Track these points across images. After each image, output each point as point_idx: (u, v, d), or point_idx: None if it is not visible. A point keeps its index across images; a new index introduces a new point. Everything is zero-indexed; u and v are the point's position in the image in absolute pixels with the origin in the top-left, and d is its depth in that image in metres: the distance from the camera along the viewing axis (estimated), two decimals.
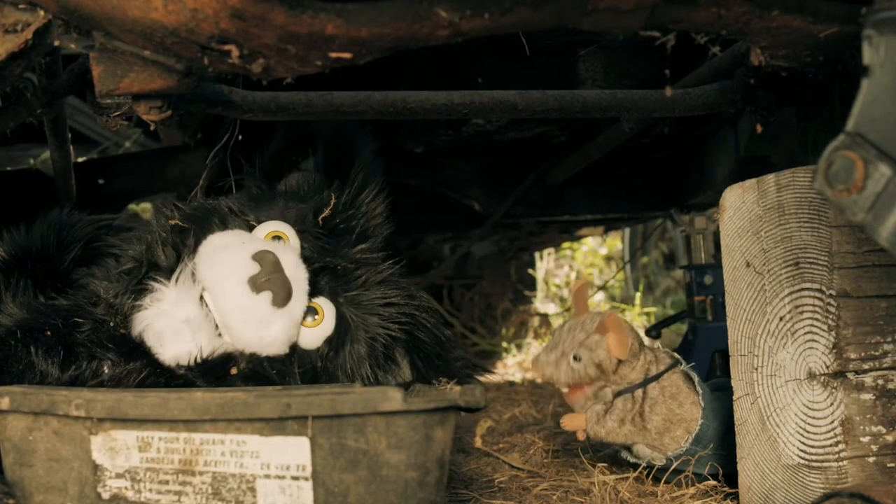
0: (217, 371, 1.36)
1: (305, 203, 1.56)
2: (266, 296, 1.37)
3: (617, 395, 1.50)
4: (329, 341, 1.47)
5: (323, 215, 1.53)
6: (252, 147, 1.67)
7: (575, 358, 1.49)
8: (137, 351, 1.35)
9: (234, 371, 1.37)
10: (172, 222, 1.47)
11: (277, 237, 1.49)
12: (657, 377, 1.50)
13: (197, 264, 1.41)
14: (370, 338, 1.50)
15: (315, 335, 1.47)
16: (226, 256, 1.40)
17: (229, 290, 1.37)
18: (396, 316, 1.53)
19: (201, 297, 1.39)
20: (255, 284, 1.37)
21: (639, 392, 1.49)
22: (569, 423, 1.54)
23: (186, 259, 1.42)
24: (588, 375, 1.49)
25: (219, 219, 1.49)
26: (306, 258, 1.48)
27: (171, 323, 1.36)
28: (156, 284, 1.39)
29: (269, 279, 1.37)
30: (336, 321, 1.48)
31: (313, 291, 1.47)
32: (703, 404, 1.49)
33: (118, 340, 1.36)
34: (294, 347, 1.44)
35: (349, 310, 1.50)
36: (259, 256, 1.39)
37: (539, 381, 1.54)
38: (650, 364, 1.51)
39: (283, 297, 1.38)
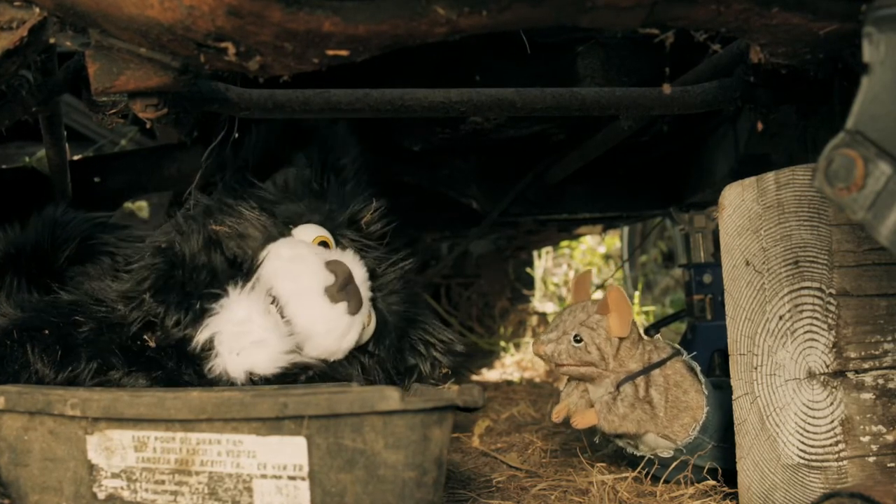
0: (289, 381, 1.37)
1: (330, 205, 1.59)
2: (342, 306, 1.42)
3: (619, 384, 1.49)
4: (375, 338, 1.53)
5: (365, 220, 1.59)
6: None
7: (576, 338, 1.49)
8: (153, 364, 1.35)
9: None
10: (219, 228, 1.46)
11: (323, 242, 1.51)
12: (660, 364, 1.50)
13: (267, 275, 1.41)
14: (398, 335, 1.57)
15: (366, 334, 1.52)
16: (303, 268, 1.42)
17: (313, 302, 1.41)
18: (410, 313, 1.60)
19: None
20: (332, 295, 1.41)
21: (641, 380, 1.49)
22: (580, 420, 1.53)
23: (254, 268, 1.42)
24: (589, 357, 1.48)
25: (263, 226, 1.50)
26: None
27: (254, 331, 1.36)
28: (224, 290, 1.38)
29: (346, 290, 1.42)
30: (377, 319, 1.55)
31: None
32: (706, 392, 1.48)
33: (131, 352, 1.35)
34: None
35: (382, 307, 1.57)
36: (333, 267, 1.43)
37: (540, 360, 1.55)
38: (650, 353, 1.51)
39: (356, 306, 1.44)
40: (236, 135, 1.67)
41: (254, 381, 1.34)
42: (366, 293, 1.49)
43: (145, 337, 1.36)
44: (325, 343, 1.43)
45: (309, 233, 1.52)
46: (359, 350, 1.51)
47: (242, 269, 1.42)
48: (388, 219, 1.65)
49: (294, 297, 1.40)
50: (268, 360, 1.35)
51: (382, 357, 1.54)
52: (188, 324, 1.36)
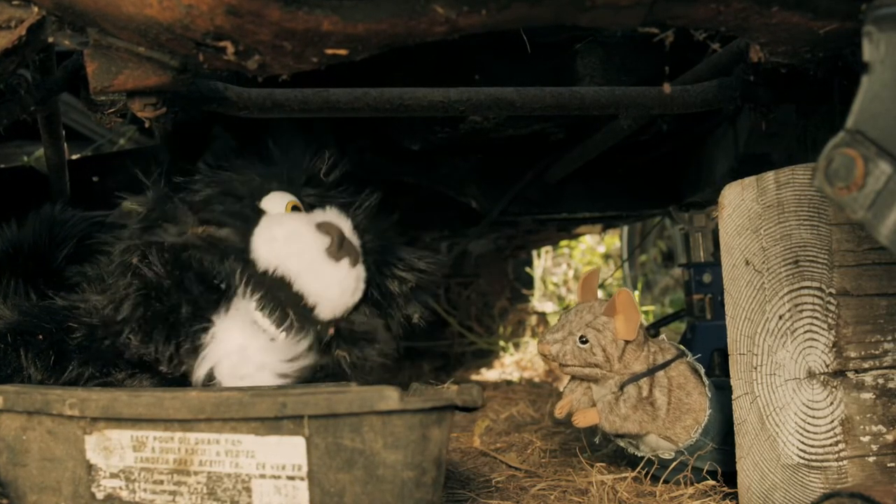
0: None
1: (282, 168, 1.58)
2: (345, 262, 1.45)
3: (623, 384, 1.49)
4: (366, 283, 1.56)
5: (322, 172, 1.59)
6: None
7: (582, 339, 1.48)
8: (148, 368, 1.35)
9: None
10: (201, 231, 1.43)
11: (295, 207, 1.52)
12: (664, 366, 1.49)
13: (268, 258, 1.42)
14: (377, 269, 1.59)
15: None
16: (301, 241, 1.44)
17: (321, 270, 1.43)
18: (381, 249, 1.61)
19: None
20: (333, 255, 1.44)
21: (645, 381, 1.48)
22: (581, 419, 1.53)
23: (238, 281, 1.40)
24: (593, 358, 1.48)
25: (238, 213, 1.48)
26: None
27: (252, 356, 1.36)
28: (209, 321, 1.37)
29: (343, 247, 1.45)
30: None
31: None
32: (709, 395, 1.48)
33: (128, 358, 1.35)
34: None
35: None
36: (325, 229, 1.45)
37: (543, 361, 1.54)
38: (654, 355, 1.51)
39: (355, 258, 1.47)
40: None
41: None
42: (356, 241, 1.51)
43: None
44: (341, 303, 1.47)
45: (278, 201, 1.50)
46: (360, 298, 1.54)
47: (220, 290, 1.40)
48: (341, 164, 1.63)
49: (304, 271, 1.42)
50: (273, 377, 1.36)
51: (378, 298, 1.56)
52: (182, 359, 1.35)
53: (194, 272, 1.38)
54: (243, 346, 1.35)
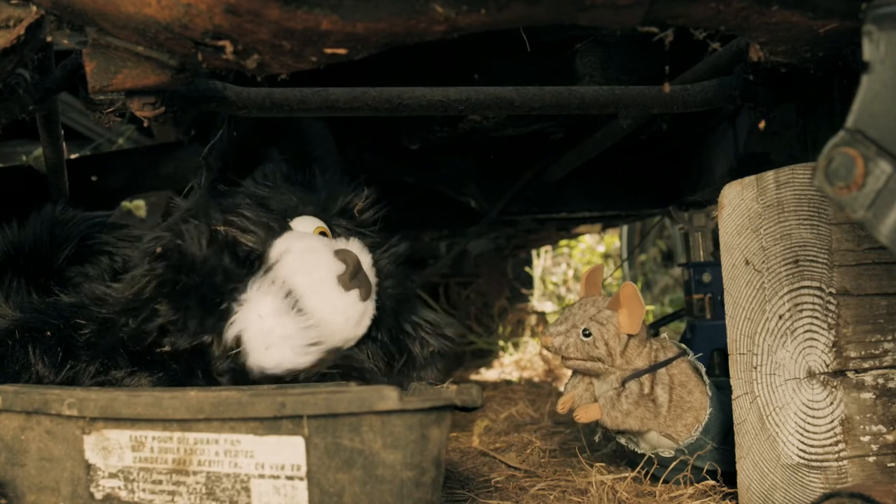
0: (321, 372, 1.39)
1: (320, 196, 1.59)
2: (355, 293, 1.44)
3: (625, 381, 1.49)
4: (376, 323, 1.55)
5: (357, 208, 1.60)
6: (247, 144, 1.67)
7: (585, 332, 1.48)
8: (156, 365, 1.34)
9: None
10: (224, 229, 1.44)
11: (322, 233, 1.52)
12: (666, 363, 1.49)
13: (280, 269, 1.41)
14: (394, 317, 1.58)
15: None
16: (316, 259, 1.43)
17: (329, 292, 1.42)
18: (402, 295, 1.60)
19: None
20: (345, 283, 1.42)
21: (647, 377, 1.48)
22: (583, 414, 1.53)
23: (265, 264, 1.41)
24: (596, 352, 1.48)
25: (265, 222, 1.49)
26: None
27: (280, 325, 1.36)
28: (243, 288, 1.37)
29: (357, 278, 1.44)
30: (377, 304, 1.56)
31: None
32: (710, 393, 1.48)
33: (134, 353, 1.34)
34: None
35: (380, 291, 1.57)
36: (342, 256, 1.44)
37: (545, 353, 1.54)
38: (657, 352, 1.51)
39: (367, 292, 1.46)
40: (234, 133, 1.67)
41: (284, 374, 1.34)
42: (373, 279, 1.51)
43: (164, 348, 1.35)
44: (342, 331, 1.45)
45: (307, 224, 1.51)
46: (364, 336, 1.52)
47: (254, 266, 1.41)
48: (378, 205, 1.65)
49: (311, 289, 1.41)
50: (296, 354, 1.35)
51: (385, 341, 1.55)
52: (212, 325, 1.35)
53: (228, 248, 1.41)
54: (272, 314, 1.35)
